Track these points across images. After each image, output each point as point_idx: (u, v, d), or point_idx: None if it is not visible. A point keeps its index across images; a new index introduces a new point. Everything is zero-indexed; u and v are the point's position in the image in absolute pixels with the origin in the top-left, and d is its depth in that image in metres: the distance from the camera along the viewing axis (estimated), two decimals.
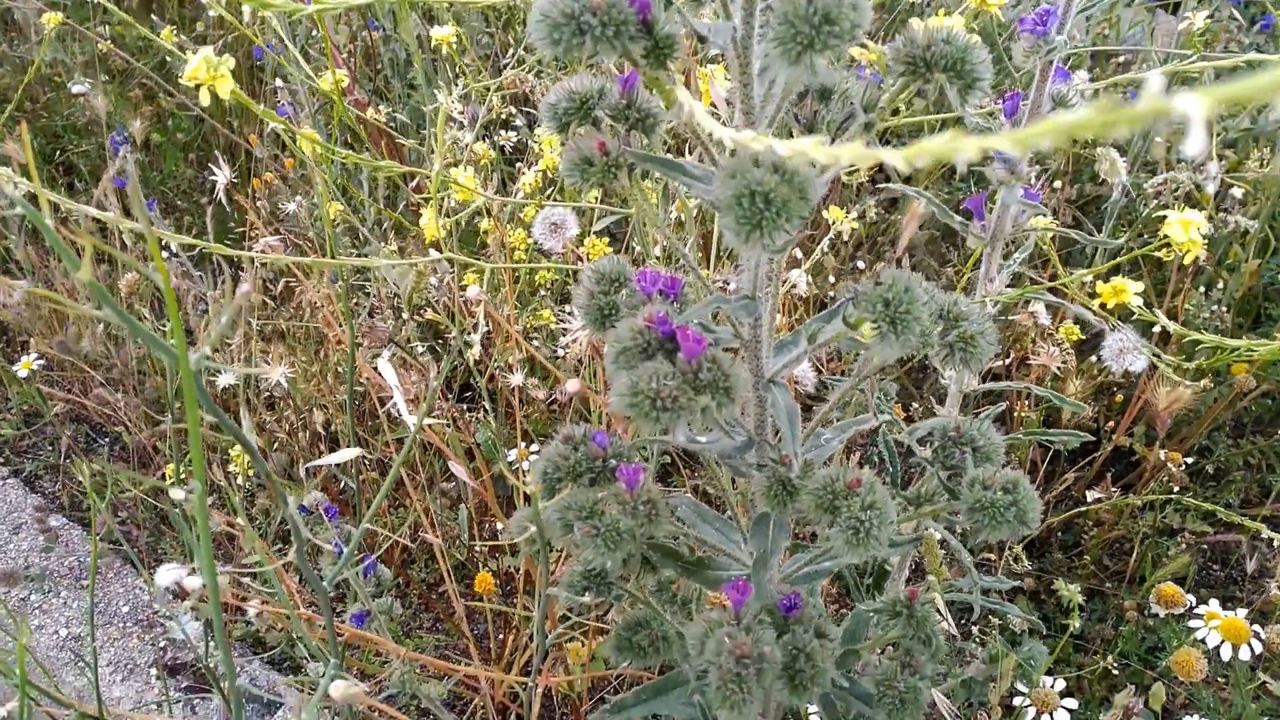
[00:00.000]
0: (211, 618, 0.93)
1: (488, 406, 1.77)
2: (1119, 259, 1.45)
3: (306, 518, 1.39)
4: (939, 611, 1.34)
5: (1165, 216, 1.05)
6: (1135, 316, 1.18)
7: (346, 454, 1.11)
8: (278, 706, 2.21)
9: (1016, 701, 1.73)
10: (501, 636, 2.24)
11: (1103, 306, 1.13)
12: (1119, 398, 2.44)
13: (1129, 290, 1.11)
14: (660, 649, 1.22)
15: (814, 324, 0.95)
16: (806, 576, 1.25)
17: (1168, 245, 1.07)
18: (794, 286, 1.34)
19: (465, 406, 2.30)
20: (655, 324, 0.87)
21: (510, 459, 1.94)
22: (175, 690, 2.19)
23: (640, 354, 0.88)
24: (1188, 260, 1.06)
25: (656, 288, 0.98)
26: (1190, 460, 2.18)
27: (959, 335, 0.99)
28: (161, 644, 2.28)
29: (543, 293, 2.01)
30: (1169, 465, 1.97)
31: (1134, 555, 2.31)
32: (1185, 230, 1.04)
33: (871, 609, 1.23)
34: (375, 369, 1.58)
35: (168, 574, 0.95)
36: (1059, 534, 2.59)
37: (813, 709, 2.02)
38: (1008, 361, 2.15)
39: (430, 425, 1.68)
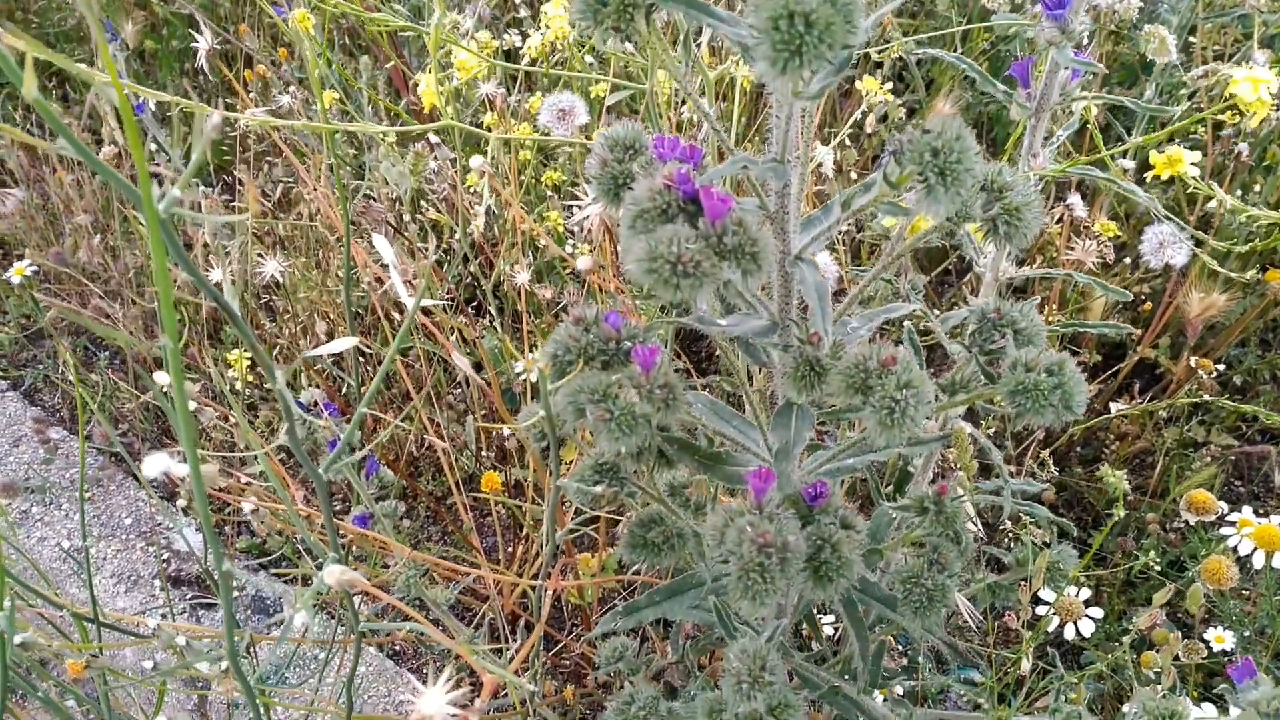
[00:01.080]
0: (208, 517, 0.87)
1: (493, 311, 1.70)
2: (1170, 126, 1.35)
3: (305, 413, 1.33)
4: (971, 523, 1.28)
5: (1226, 77, 0.96)
6: (1191, 189, 1.09)
7: (343, 343, 1.04)
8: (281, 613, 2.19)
9: (1040, 610, 1.68)
10: (511, 549, 2.20)
11: (1155, 179, 1.05)
12: (1147, 306, 2.36)
13: (1184, 159, 1.02)
14: (675, 546, 1.17)
15: (849, 192, 0.88)
16: (828, 474, 1.19)
17: (1232, 107, 0.98)
18: (820, 164, 1.25)
19: (474, 315, 2.23)
20: (676, 183, 0.80)
21: (518, 371, 1.88)
22: (180, 601, 2.17)
23: (659, 216, 0.80)
24: (1254, 122, 0.97)
25: (675, 154, 0.90)
26: (1220, 368, 2.10)
27: (1003, 207, 0.91)
28: (165, 556, 2.25)
29: (550, 193, 1.92)
30: (1199, 373, 1.89)
31: (1157, 469, 2.25)
32: (1254, 89, 0.95)
33: (896, 507, 1.17)
34: (373, 253, 1.51)
35: (155, 463, 0.89)
36: (1079, 449, 2.53)
37: (827, 619, 1.99)
38: (1034, 266, 2.07)
39: (433, 318, 1.61)
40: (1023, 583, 1.19)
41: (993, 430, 1.86)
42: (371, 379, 2.26)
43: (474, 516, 2.47)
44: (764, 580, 0.87)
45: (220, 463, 2.30)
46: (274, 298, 2.16)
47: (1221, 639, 1.80)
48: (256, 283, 1.86)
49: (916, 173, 0.72)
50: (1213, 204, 1.24)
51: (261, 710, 1.93)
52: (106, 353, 2.80)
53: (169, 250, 0.59)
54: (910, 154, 0.72)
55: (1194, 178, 1.06)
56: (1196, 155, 1.04)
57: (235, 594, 2.22)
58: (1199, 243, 1.29)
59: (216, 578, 1.77)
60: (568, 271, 1.99)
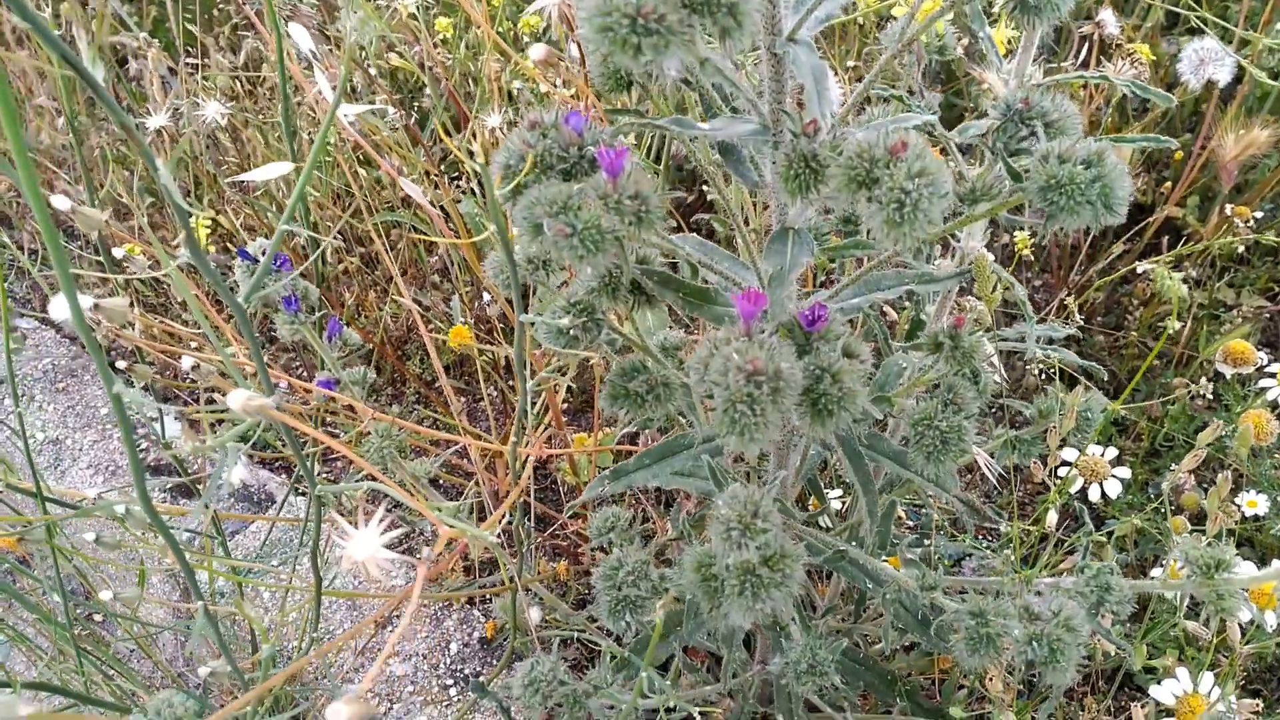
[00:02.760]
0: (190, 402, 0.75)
1: (469, 172, 1.56)
2: None
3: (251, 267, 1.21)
4: (990, 363, 1.16)
5: None
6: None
7: (276, 169, 0.91)
8: (269, 504, 2.11)
9: (1061, 472, 1.58)
10: (504, 432, 2.10)
11: None
12: (1179, 155, 2.19)
13: None
14: (660, 396, 1.05)
15: None
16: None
17: None
18: None
19: (450, 181, 2.09)
20: None
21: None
22: (160, 490, 2.08)
23: None
24: None
25: None
26: (1257, 215, 1.95)
27: None
28: (144, 445, 2.16)
29: (527, 39, 1.76)
30: (1234, 221, 1.75)
31: (1184, 330, 2.12)
32: None
33: (907, 346, 1.05)
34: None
35: (59, 307, 0.77)
36: (1100, 316, 2.40)
37: (835, 494, 1.89)
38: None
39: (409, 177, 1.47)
40: (1050, 428, 1.08)
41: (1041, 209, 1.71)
42: (347, 258, 2.13)
43: (466, 401, 2.37)
44: (753, 413, 0.75)
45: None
46: (228, 156, 2.01)
47: (1254, 503, 1.70)
48: (203, 128, 1.72)
49: None
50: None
51: (240, 589, 1.85)
52: (78, 242, 2.68)
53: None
54: None
55: None
56: None
57: (219, 483, 2.14)
58: (1241, 57, 1.13)
59: (205, 472, 1.67)
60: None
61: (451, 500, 2.10)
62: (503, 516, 1.08)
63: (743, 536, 0.81)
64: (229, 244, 2.27)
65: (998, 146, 0.84)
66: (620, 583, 1.10)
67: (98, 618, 1.95)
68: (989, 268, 1.01)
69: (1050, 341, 1.24)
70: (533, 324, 0.93)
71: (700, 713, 1.81)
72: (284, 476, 2.16)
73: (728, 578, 0.83)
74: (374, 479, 0.84)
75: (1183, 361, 2.24)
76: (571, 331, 0.98)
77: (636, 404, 1.03)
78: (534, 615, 1.52)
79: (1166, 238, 2.22)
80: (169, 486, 2.08)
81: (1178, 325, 0.84)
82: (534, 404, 1.93)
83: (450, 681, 1.79)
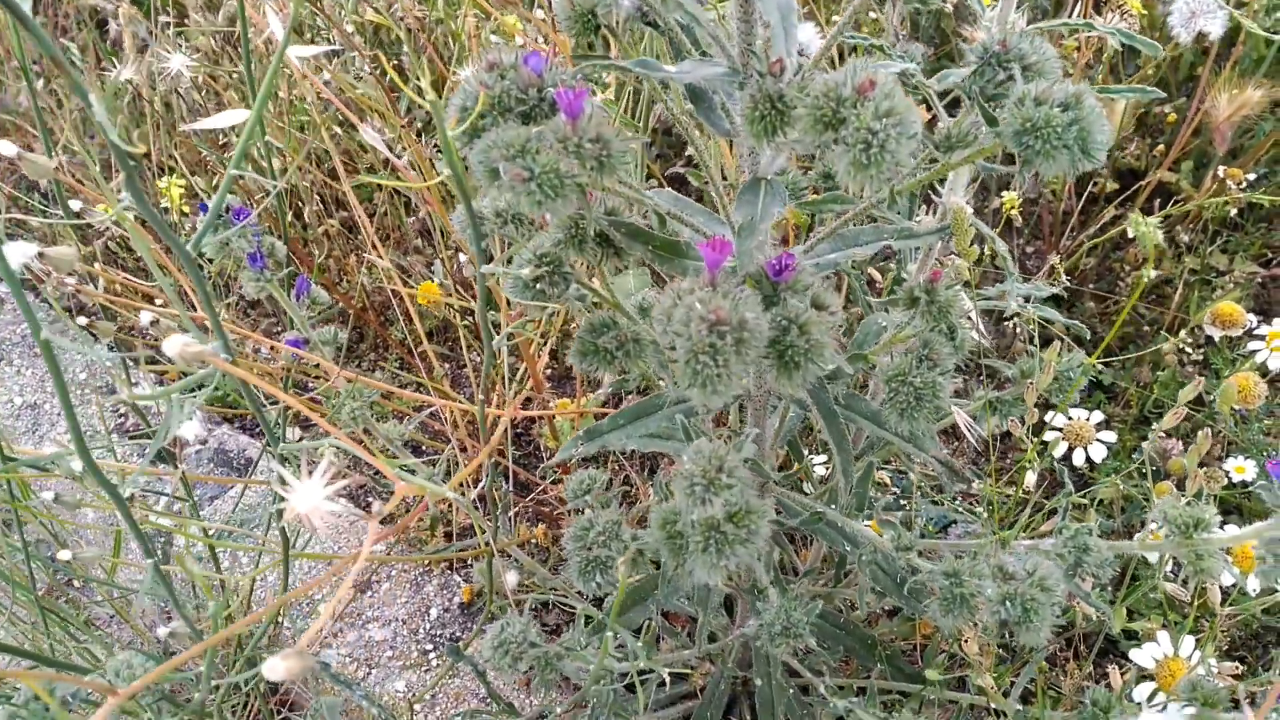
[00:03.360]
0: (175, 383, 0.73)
1: (417, 101, 1.52)
2: None
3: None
4: (968, 318, 1.13)
5: None
6: None
7: (231, 116, 0.88)
8: (251, 469, 2.09)
9: (1048, 437, 1.56)
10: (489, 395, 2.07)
11: None
12: (1172, 118, 2.16)
13: None
14: (630, 352, 1.03)
15: None
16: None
17: None
18: None
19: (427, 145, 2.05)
20: None
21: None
22: (138, 456, 2.06)
23: None
24: None
25: None
26: (1250, 177, 1.91)
27: None
28: (121, 410, 2.14)
29: None
30: (1227, 184, 1.71)
31: (1175, 296, 2.09)
32: None
33: (883, 302, 1.02)
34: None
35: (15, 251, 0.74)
36: (1092, 283, 2.37)
37: (819, 460, 1.87)
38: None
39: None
40: (1029, 384, 1.05)
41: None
42: (327, 220, 2.10)
43: (451, 367, 2.35)
44: (716, 364, 0.73)
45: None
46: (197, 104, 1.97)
47: (1242, 469, 1.68)
48: (170, 82, 1.68)
49: None
50: None
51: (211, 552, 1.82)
52: (56, 204, 2.64)
53: None
54: None
55: None
56: None
57: (198, 448, 2.12)
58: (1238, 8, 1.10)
59: (181, 441, 1.65)
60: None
61: (433, 466, 2.09)
62: (475, 477, 1.06)
63: (706, 492, 0.79)
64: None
65: (974, 91, 0.81)
66: (590, 543, 1.08)
67: (78, 583, 1.94)
68: (967, 220, 0.98)
69: (1033, 300, 1.22)
70: (495, 276, 0.91)
71: (678, 675, 1.80)
72: (265, 440, 2.14)
73: (692, 534, 0.81)
74: (342, 437, 0.82)
75: (1174, 328, 2.22)
76: (538, 285, 0.95)
77: (606, 360, 1.01)
78: (511, 579, 1.50)
79: (1159, 201, 2.19)
80: (144, 451, 2.06)
81: (1153, 274, 0.80)
82: (513, 369, 1.91)
83: (430, 646, 1.78)
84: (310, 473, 0.63)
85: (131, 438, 2.09)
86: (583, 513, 1.33)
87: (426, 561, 1.82)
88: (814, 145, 0.72)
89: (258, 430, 2.19)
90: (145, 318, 1.03)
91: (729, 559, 0.81)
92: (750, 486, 0.85)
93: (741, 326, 0.74)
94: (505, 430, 1.81)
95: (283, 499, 0.71)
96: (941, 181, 1.22)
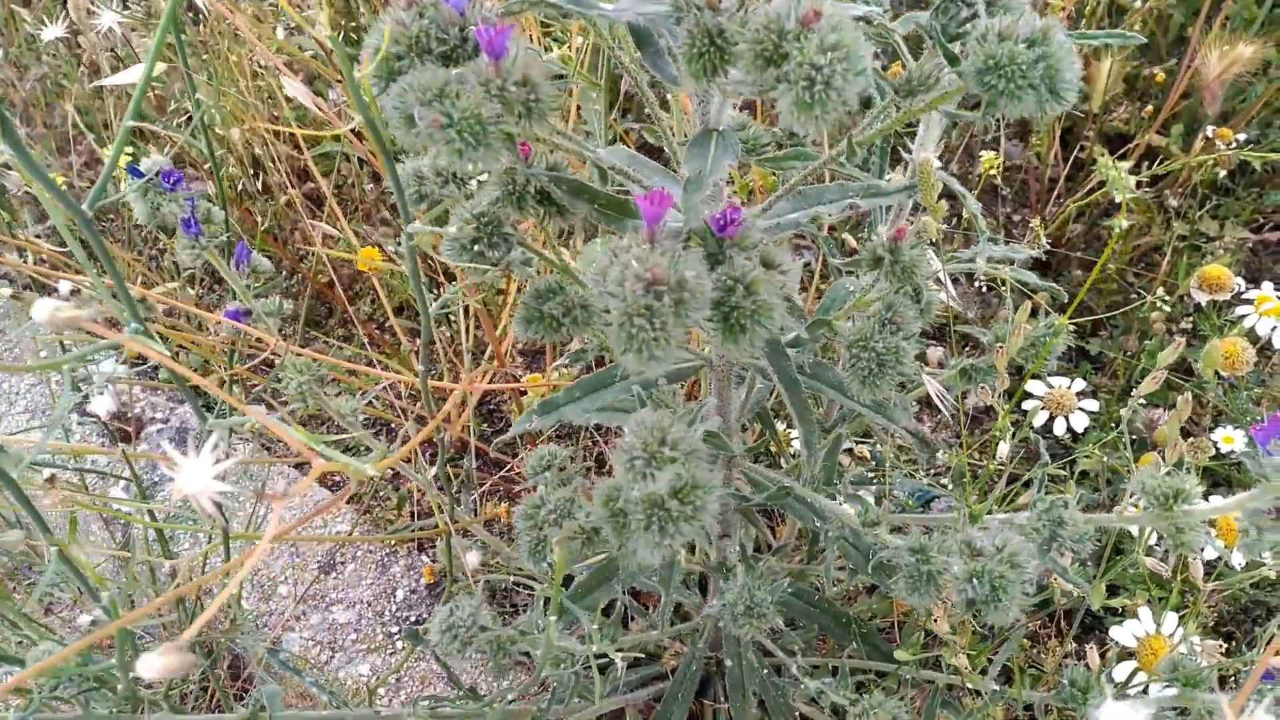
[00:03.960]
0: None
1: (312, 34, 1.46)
2: None
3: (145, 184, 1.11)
4: (937, 280, 1.08)
5: None
6: None
7: (134, 72, 0.82)
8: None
9: (1028, 405, 1.50)
10: (455, 372, 2.02)
11: None
12: (1160, 78, 2.09)
13: None
14: (579, 320, 0.96)
15: None
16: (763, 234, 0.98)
17: None
18: None
19: None
20: None
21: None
22: (99, 436, 2.00)
23: None
24: None
25: None
26: (1240, 137, 1.85)
27: None
28: (82, 389, 2.08)
29: None
30: (1217, 144, 1.65)
31: (1164, 263, 2.04)
32: None
33: (845, 263, 0.96)
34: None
35: None
36: (1080, 251, 2.31)
37: (795, 434, 1.82)
38: None
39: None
40: (999, 347, 1.00)
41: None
42: (295, 190, 2.03)
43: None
44: (652, 327, 0.67)
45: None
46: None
47: (1230, 439, 1.63)
48: (101, 40, 1.61)
49: None
50: None
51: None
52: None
53: None
54: None
55: None
56: None
57: (160, 426, 2.06)
58: None
59: (142, 416, 1.59)
60: None
61: (396, 442, 2.03)
62: (432, 456, 1.00)
63: (647, 466, 0.74)
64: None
65: (934, 29, 0.75)
66: (541, 522, 1.03)
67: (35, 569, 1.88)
68: (933, 174, 0.92)
69: (1010, 263, 1.16)
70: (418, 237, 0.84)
71: (652, 656, 1.75)
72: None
73: (634, 512, 0.76)
74: (259, 415, 0.76)
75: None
76: (475, 247, 0.89)
77: (551, 328, 0.95)
78: (472, 559, 1.45)
79: (1147, 165, 2.13)
80: (104, 430, 2.00)
81: (1125, 225, 0.74)
82: (485, 344, 1.85)
83: (396, 628, 1.73)
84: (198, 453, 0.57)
85: (91, 415, 2.04)
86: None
87: (392, 542, 1.76)
88: (757, 86, 0.66)
89: (224, 410, 2.13)
90: (65, 287, 0.97)
91: (673, 538, 0.75)
92: (702, 459, 0.79)
93: (681, 286, 0.68)
94: (468, 405, 1.75)
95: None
96: (913, 138, 1.16)
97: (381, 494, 1.95)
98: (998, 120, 0.84)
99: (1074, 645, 1.65)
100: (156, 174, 1.11)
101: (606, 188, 0.88)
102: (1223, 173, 1.83)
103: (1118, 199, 0.83)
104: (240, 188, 2.18)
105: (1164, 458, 1.00)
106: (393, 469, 1.51)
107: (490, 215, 0.89)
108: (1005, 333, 1.10)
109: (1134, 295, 2.12)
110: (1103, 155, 0.77)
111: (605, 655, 1.17)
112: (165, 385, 2.11)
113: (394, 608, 1.74)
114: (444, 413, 1.00)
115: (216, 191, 1.17)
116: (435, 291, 1.95)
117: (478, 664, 1.68)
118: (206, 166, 2.22)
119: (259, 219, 2.13)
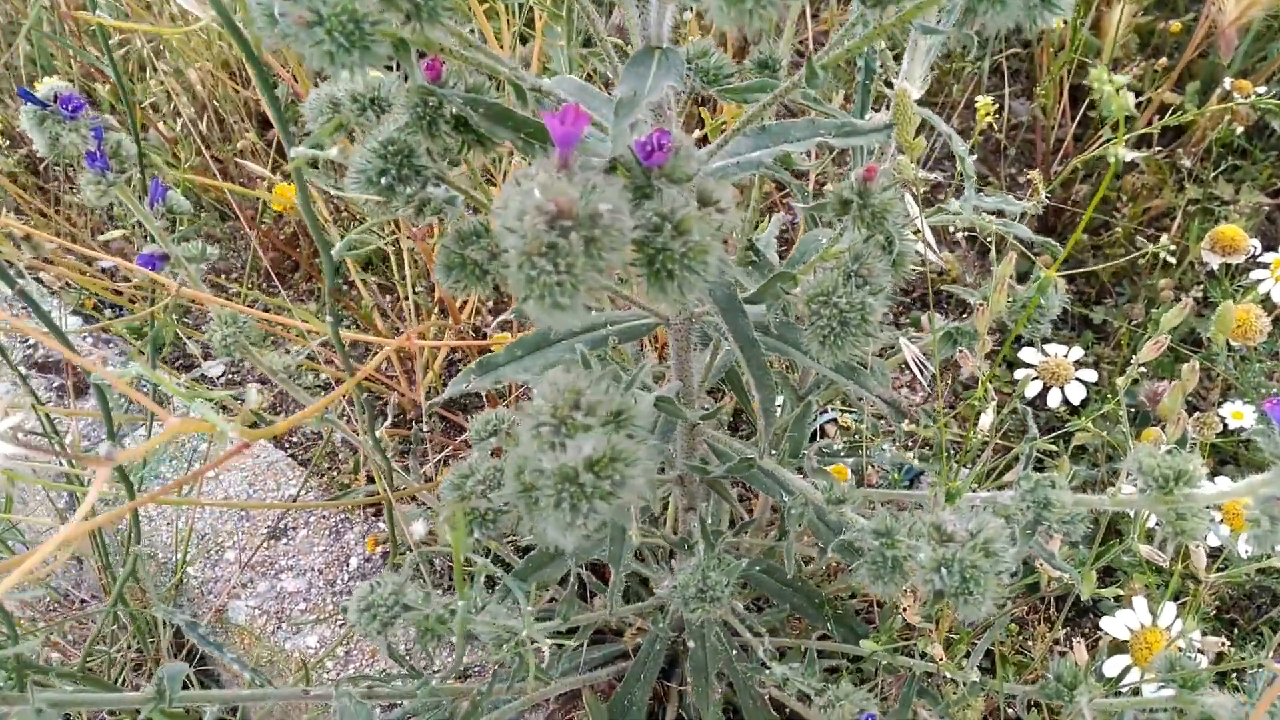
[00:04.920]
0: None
1: None
2: None
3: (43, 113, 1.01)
4: (915, 230, 0.96)
5: None
6: None
7: None
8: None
9: (1019, 374, 1.39)
10: (421, 329, 1.91)
11: None
12: (1176, 27, 1.96)
13: None
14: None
15: None
16: (719, 174, 0.87)
17: None
18: None
19: None
20: None
21: None
22: (47, 390, 1.91)
23: None
24: None
25: None
26: (1260, 90, 1.72)
27: None
28: (31, 341, 1.98)
29: None
30: (1233, 96, 1.53)
31: (1174, 228, 1.91)
32: None
33: (811, 207, 0.85)
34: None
35: None
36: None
37: (779, 400, 1.71)
38: None
39: None
40: (981, 305, 0.89)
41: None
42: (226, 162, 1.91)
43: (392, 299, 2.18)
44: (557, 269, 0.56)
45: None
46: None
47: (1240, 414, 1.51)
48: None
49: None
50: None
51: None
52: None
53: None
54: None
55: None
56: None
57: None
58: None
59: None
60: None
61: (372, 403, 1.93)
62: (416, 417, 0.90)
63: (556, 435, 0.63)
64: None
65: None
66: (469, 493, 0.92)
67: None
68: (910, 108, 0.80)
69: (1001, 214, 1.05)
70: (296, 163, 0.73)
71: (616, 633, 1.66)
72: (184, 375, 1.98)
73: (544, 486, 0.65)
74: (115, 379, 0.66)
75: (1174, 262, 2.04)
76: (383, 180, 0.78)
77: (474, 276, 0.83)
78: (419, 529, 1.35)
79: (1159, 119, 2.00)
80: (55, 386, 1.91)
81: (1126, 157, 0.64)
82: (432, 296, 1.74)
83: (348, 598, 1.63)
84: None
85: (40, 369, 1.94)
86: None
87: (339, 508, 1.67)
88: None
89: (180, 365, 2.03)
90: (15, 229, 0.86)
91: (588, 517, 0.64)
92: (635, 426, 0.68)
93: (593, 221, 0.57)
94: (431, 366, 1.65)
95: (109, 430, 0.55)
96: (898, 73, 1.04)
97: (340, 457, 1.85)
98: (987, 41, 0.73)
99: (1064, 631, 1.55)
100: (54, 99, 1.00)
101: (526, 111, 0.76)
102: (1240, 130, 1.70)
103: (1114, 122, 0.72)
104: (203, 131, 2.07)
105: (1166, 433, 0.89)
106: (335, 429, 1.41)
107: (400, 143, 0.78)
108: (988, 294, 0.99)
109: (1141, 261, 2.00)
110: (1094, 69, 0.65)
111: (557, 635, 1.07)
112: (118, 336, 2.01)
113: (346, 576, 1.65)
114: (365, 370, 0.90)
115: (129, 125, 1.06)
116: (399, 244, 1.84)
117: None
118: (169, 121, 2.11)
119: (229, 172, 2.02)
